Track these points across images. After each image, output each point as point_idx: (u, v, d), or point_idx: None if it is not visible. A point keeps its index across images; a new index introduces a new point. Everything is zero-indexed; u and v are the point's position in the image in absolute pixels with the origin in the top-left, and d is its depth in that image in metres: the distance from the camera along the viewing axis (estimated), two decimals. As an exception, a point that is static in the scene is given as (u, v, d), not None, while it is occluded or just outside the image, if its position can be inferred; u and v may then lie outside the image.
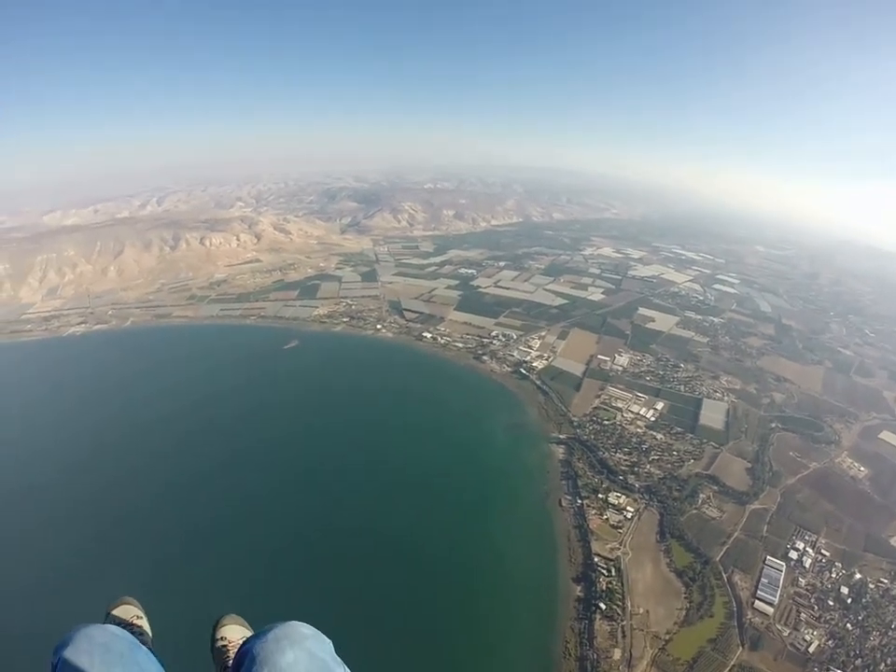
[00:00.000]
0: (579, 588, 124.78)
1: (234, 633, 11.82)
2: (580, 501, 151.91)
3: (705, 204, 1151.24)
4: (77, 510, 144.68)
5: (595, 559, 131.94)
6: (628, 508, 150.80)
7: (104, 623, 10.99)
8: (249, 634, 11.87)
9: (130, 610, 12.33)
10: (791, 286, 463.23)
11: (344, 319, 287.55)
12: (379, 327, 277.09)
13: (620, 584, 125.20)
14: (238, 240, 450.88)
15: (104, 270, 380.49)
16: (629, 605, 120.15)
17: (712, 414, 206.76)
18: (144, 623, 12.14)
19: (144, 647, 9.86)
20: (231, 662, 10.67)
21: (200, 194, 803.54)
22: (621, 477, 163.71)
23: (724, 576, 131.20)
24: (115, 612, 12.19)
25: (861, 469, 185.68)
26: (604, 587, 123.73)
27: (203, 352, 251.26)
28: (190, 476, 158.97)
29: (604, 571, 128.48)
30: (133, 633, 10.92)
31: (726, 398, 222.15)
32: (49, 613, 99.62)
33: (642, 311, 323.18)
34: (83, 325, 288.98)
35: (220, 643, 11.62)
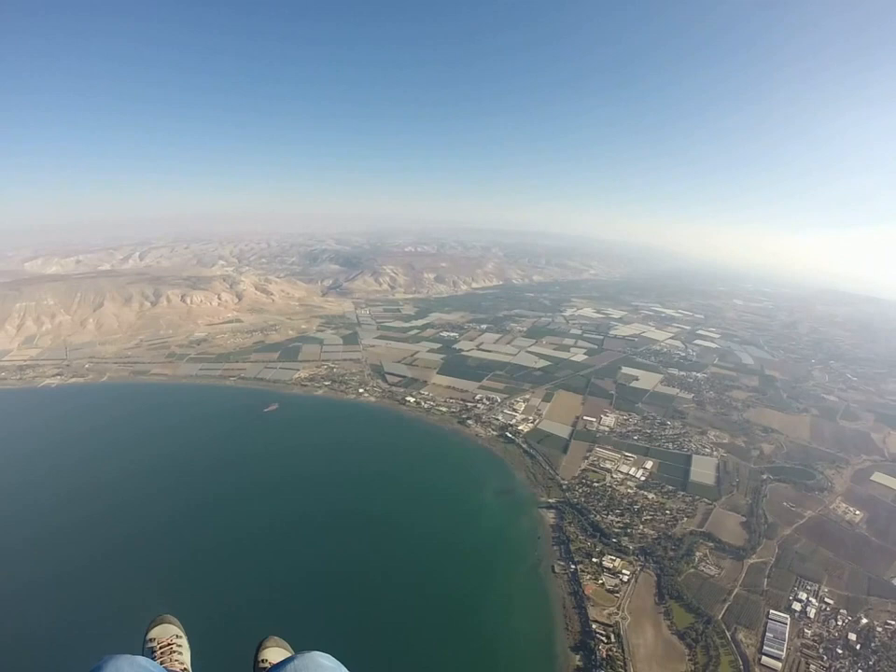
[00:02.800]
0: (578, 657, 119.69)
1: (276, 655, 11.82)
2: (573, 566, 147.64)
3: (684, 263, 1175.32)
4: (41, 557, 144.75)
5: (593, 626, 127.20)
6: (624, 571, 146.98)
7: (144, 639, 12.16)
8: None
9: (169, 629, 12.43)
10: (771, 336, 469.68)
11: (326, 383, 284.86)
12: (361, 391, 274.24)
13: (620, 651, 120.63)
14: (219, 299, 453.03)
15: (82, 322, 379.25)
16: None
17: (702, 470, 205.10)
18: (183, 643, 12.27)
19: None
20: (163, 656, 11.57)
21: (182, 251, 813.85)
22: (614, 539, 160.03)
23: (728, 634, 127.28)
24: (154, 630, 12.35)
25: (857, 512, 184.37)
26: (604, 655, 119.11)
27: (179, 412, 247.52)
28: (143, 534, 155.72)
29: (603, 638, 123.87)
30: (171, 651, 11.73)
31: (715, 452, 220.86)
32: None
33: (626, 370, 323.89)
34: (58, 377, 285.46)
35: (262, 665, 11.67)
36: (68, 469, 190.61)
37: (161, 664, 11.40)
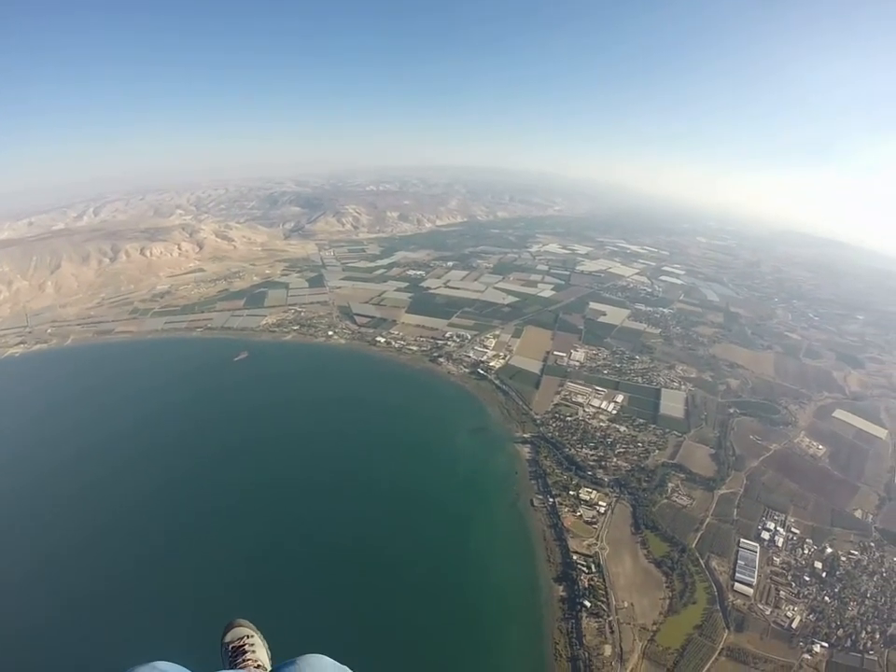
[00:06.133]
0: (561, 587, 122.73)
1: (239, 634, 13.36)
2: (551, 500, 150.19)
3: (648, 201, 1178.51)
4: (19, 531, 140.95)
5: (574, 557, 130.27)
6: (600, 503, 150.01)
7: (220, 646, 13.37)
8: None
9: (240, 632, 13.42)
10: (734, 274, 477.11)
11: (294, 327, 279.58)
12: (331, 333, 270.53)
13: (601, 580, 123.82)
14: (180, 249, 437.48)
15: (41, 285, 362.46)
16: (613, 600, 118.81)
17: (672, 404, 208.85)
18: (255, 641, 13.25)
19: None
20: (237, 660, 12.73)
21: (138, 203, 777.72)
22: (589, 472, 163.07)
23: (702, 562, 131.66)
24: (228, 635, 13.42)
25: (820, 447, 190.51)
26: (586, 584, 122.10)
27: (148, 368, 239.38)
28: (137, 497, 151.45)
29: (584, 568, 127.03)
30: (243, 652, 12.84)
31: (683, 386, 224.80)
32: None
33: (593, 305, 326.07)
34: (21, 345, 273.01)
35: (233, 646, 13.03)
36: (36, 445, 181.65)
37: (235, 665, 12.63)
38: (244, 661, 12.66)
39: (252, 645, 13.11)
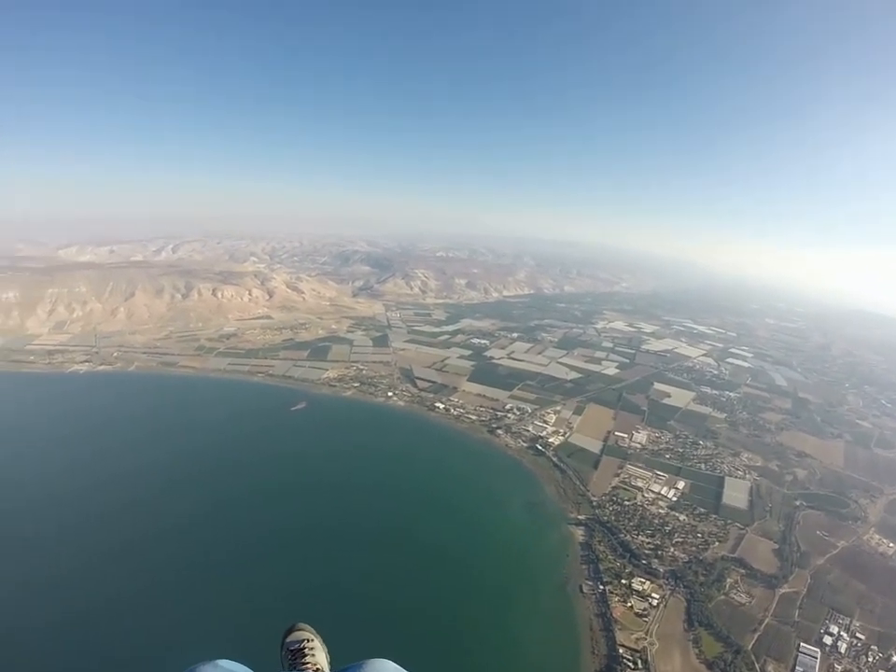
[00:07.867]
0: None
1: (299, 637, 13.46)
2: (601, 587, 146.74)
3: (714, 278, 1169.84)
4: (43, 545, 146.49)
5: (620, 650, 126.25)
6: (653, 594, 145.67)
7: (280, 648, 13.46)
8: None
9: (300, 635, 13.62)
10: (804, 358, 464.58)
11: (355, 384, 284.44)
12: (390, 394, 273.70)
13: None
14: (250, 294, 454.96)
15: (113, 311, 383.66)
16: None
17: (735, 493, 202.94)
18: (315, 645, 13.41)
19: None
20: (296, 663, 12.80)
21: (214, 246, 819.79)
22: (644, 561, 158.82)
23: (757, 665, 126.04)
24: (288, 638, 13.56)
25: (891, 545, 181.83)
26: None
27: (205, 406, 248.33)
28: (163, 530, 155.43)
29: (630, 664, 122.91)
30: (302, 655, 12.97)
31: (748, 475, 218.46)
32: None
33: (658, 386, 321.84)
34: (87, 363, 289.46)
35: (295, 648, 13.09)
36: (88, 460, 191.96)
37: (294, 668, 12.74)
38: (303, 664, 12.96)
39: (312, 649, 13.34)
